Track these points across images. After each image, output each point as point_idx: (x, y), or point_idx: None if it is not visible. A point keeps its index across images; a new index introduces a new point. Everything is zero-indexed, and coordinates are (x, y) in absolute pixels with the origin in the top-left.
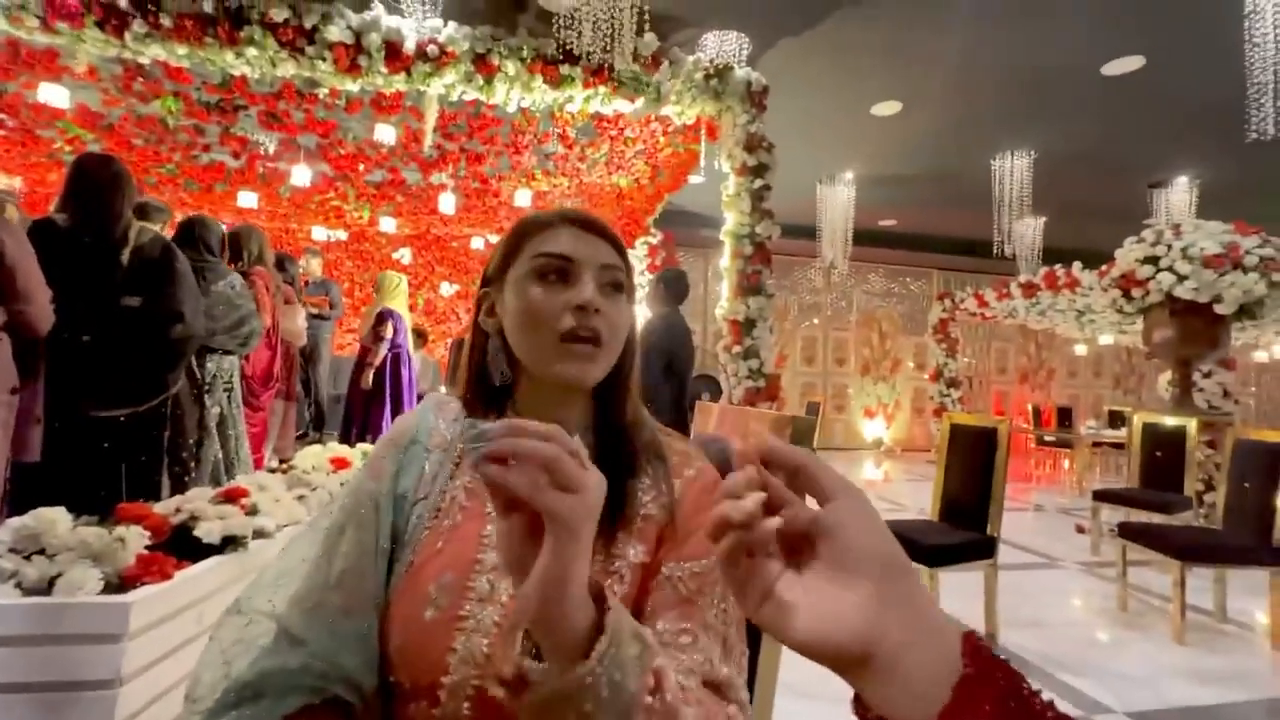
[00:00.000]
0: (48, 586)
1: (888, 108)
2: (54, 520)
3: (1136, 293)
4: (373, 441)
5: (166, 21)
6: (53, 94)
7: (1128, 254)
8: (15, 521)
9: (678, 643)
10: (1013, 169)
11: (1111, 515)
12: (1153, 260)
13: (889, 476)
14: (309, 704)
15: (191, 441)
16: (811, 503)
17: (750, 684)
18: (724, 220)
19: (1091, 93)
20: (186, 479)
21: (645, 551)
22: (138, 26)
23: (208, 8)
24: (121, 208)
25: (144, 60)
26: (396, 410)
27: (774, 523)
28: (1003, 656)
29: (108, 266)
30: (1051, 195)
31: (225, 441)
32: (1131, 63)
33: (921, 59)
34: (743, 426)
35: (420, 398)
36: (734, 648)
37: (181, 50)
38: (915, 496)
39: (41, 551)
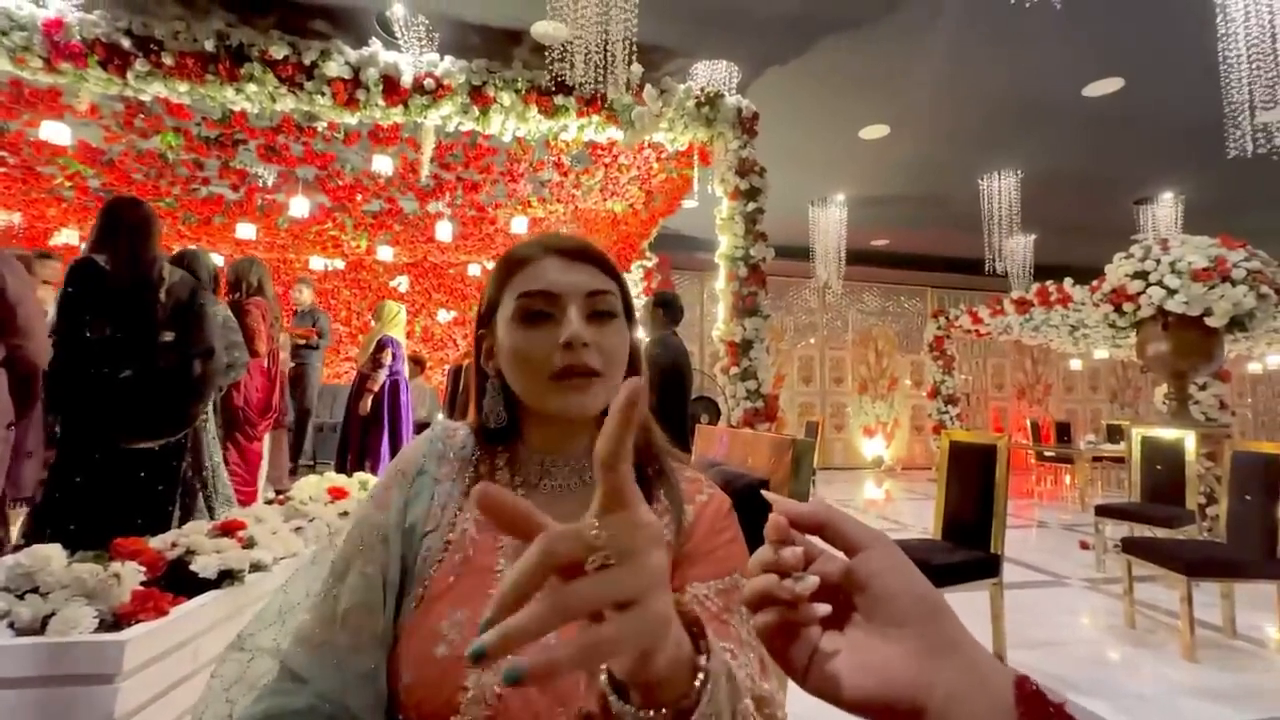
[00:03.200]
0: (41, 626)
1: (875, 131)
2: (48, 557)
3: (1128, 307)
4: (371, 469)
5: (168, 60)
6: (55, 132)
7: (1117, 269)
8: (9, 559)
9: None
10: (1000, 188)
11: (1115, 530)
12: (1142, 275)
13: (890, 495)
14: None
15: (204, 473)
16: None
17: None
18: (718, 243)
19: (1074, 114)
20: (195, 509)
21: None
22: (140, 65)
23: (209, 46)
24: (156, 249)
25: (145, 97)
26: (394, 437)
27: (822, 609)
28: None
29: (148, 306)
30: (1040, 213)
31: (200, 474)
32: (1111, 84)
33: (907, 84)
34: (741, 451)
35: (418, 425)
36: (770, 667)
37: (183, 87)
38: (917, 515)
39: (35, 590)
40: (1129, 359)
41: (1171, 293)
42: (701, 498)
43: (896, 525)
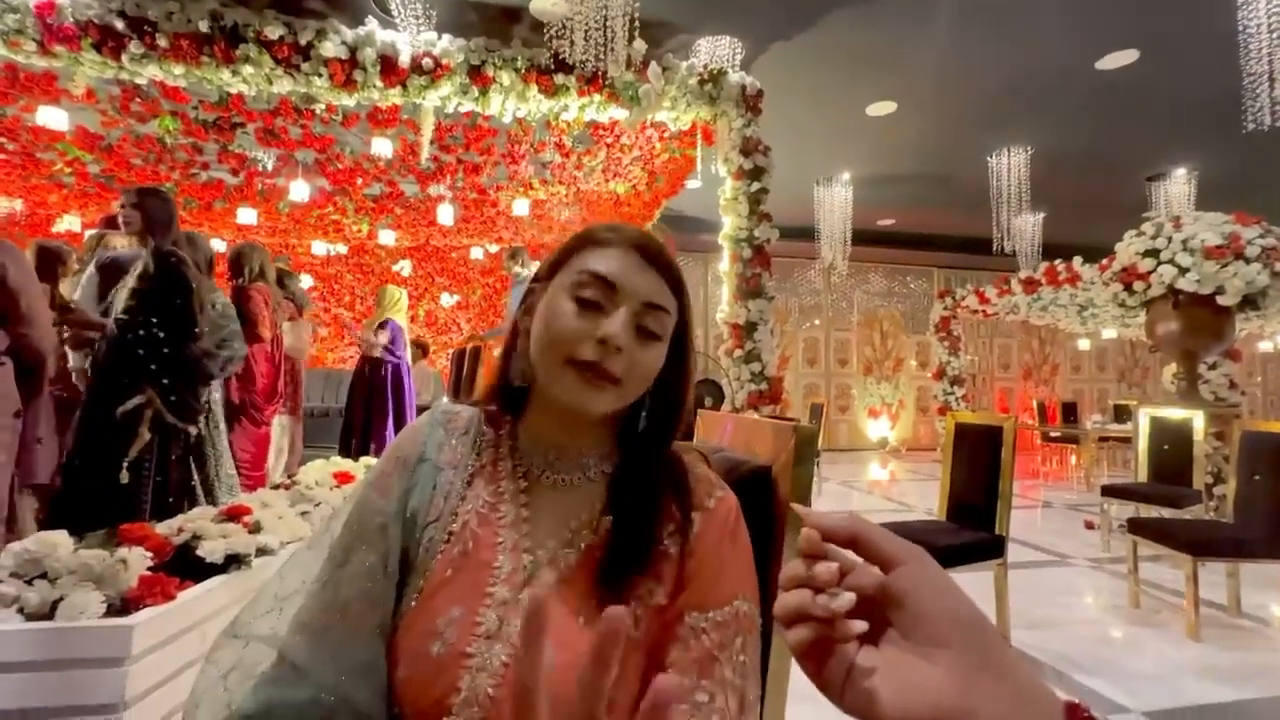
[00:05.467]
0: (50, 611)
1: (882, 108)
2: (55, 543)
3: (1138, 286)
4: (376, 454)
5: (163, 42)
6: (52, 117)
7: (1128, 247)
8: (16, 546)
9: (694, 700)
10: (1010, 166)
11: (1121, 510)
12: (1153, 253)
13: (895, 476)
14: None
15: (205, 461)
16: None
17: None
18: (722, 224)
19: (1086, 88)
20: (195, 497)
21: (664, 593)
22: (134, 47)
23: (203, 27)
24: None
25: (141, 81)
26: (399, 422)
27: (859, 626)
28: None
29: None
30: (1049, 190)
31: (204, 462)
32: (1125, 57)
33: (914, 59)
34: (745, 437)
35: (421, 410)
36: (751, 706)
37: (178, 70)
38: (922, 496)
39: (44, 575)
40: (1137, 339)
41: (1183, 271)
42: (710, 502)
43: (901, 506)
